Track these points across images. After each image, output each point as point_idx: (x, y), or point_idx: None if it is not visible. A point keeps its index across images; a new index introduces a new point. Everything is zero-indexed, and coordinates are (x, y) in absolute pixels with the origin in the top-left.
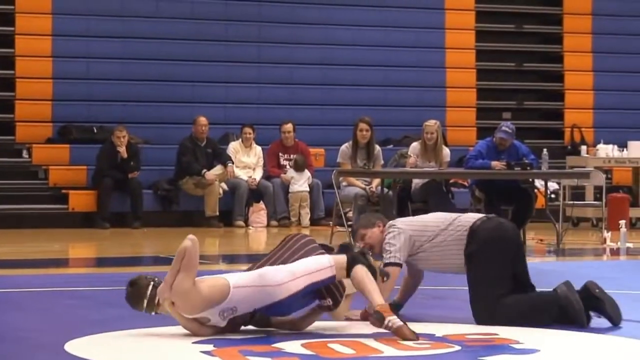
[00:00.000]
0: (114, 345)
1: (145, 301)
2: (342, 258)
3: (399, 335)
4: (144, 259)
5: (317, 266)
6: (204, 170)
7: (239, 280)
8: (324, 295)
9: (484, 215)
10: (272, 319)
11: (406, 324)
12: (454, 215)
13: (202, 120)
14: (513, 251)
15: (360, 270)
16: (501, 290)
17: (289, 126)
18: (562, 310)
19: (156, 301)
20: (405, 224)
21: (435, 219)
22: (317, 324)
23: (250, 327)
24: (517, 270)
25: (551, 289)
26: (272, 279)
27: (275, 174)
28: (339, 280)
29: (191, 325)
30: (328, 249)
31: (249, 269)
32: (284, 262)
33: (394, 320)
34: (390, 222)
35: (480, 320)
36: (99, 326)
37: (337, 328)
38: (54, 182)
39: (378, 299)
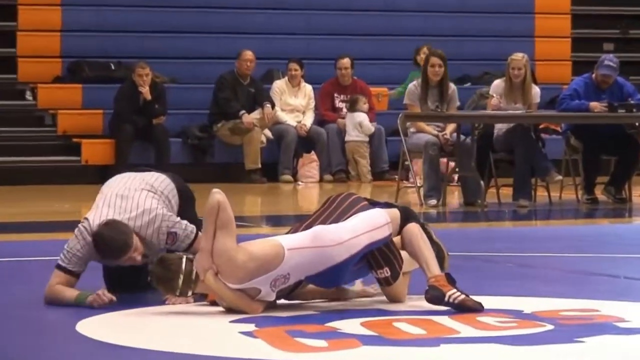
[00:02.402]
0: (137, 325)
1: (181, 277)
2: (396, 212)
3: (462, 309)
4: None
5: (375, 222)
6: (242, 112)
7: (292, 242)
8: (381, 264)
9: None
10: (311, 292)
11: (468, 296)
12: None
13: (248, 54)
14: None
15: (414, 228)
16: None
17: (345, 61)
18: None
19: (193, 276)
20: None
21: None
22: (379, 298)
23: (283, 301)
24: None
25: None
26: (330, 238)
27: (329, 119)
28: (394, 237)
29: (239, 300)
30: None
31: (290, 232)
32: (334, 223)
33: (454, 294)
34: None
35: None
36: (117, 301)
37: (404, 303)
38: (63, 129)
39: (433, 267)
